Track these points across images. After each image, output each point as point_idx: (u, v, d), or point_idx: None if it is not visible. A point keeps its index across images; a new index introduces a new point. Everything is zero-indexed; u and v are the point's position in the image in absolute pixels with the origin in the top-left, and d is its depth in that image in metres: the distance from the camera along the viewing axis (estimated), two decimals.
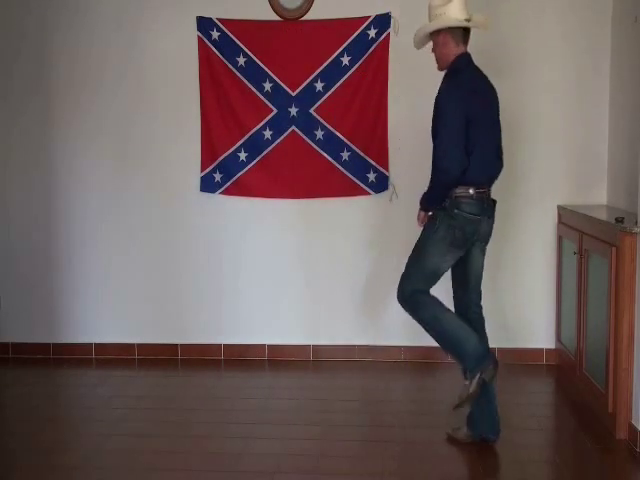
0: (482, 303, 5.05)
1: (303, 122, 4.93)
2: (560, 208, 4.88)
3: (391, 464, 3.59)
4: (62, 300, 5.19)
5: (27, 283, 5.20)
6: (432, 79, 4.93)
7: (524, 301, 4.98)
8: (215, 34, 4.93)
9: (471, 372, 3.60)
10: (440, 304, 3.72)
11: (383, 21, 4.80)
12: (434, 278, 3.73)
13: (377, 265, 5.03)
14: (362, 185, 4.93)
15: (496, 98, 3.82)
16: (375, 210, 4.97)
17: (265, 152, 4.98)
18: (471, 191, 3.63)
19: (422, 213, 3.82)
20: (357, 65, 4.85)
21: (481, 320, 3.86)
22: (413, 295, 3.73)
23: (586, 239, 4.30)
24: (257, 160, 5.00)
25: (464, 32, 3.72)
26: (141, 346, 5.18)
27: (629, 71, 4.48)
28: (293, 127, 4.95)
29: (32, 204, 5.16)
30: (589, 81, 4.85)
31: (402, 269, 5.00)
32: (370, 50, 4.83)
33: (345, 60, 4.84)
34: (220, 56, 4.94)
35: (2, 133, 5.14)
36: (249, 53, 4.92)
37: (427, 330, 3.74)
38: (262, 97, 4.94)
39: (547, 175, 4.91)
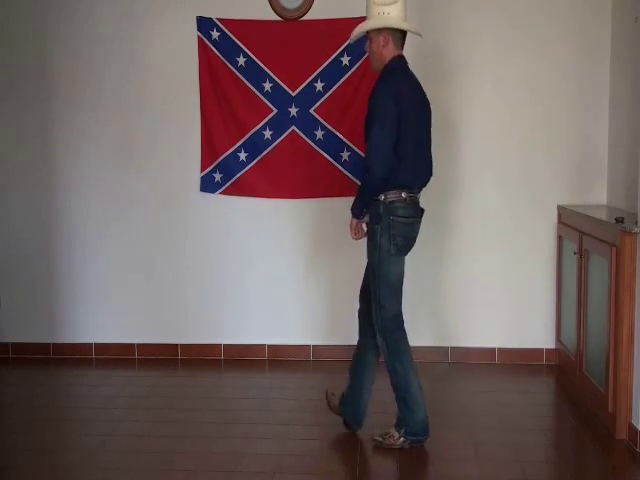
0: (481, 302, 5.09)
1: (303, 122, 4.94)
2: (560, 208, 4.88)
3: (391, 464, 3.60)
4: (62, 300, 5.19)
5: (27, 283, 5.20)
6: (431, 78, 4.96)
7: (524, 301, 4.98)
8: (215, 34, 4.93)
9: (406, 434, 3.73)
10: (411, 358, 3.75)
11: None
12: (400, 288, 3.76)
13: None
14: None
15: (429, 107, 3.82)
16: None
17: (265, 152, 4.99)
18: (404, 195, 3.64)
19: (354, 221, 3.74)
20: (357, 65, 4.85)
21: None
22: (393, 332, 3.72)
23: (586, 239, 4.30)
24: (257, 160, 5.00)
25: (402, 36, 3.71)
26: (141, 346, 5.18)
27: (629, 71, 4.48)
28: (293, 127, 4.95)
29: (33, 204, 5.16)
30: (589, 81, 4.85)
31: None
32: None
33: (345, 60, 4.84)
34: (220, 56, 4.94)
35: (4, 134, 5.14)
36: (249, 53, 4.92)
37: (392, 377, 3.76)
38: (262, 97, 4.94)
39: (547, 175, 4.91)
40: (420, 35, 3.87)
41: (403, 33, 3.71)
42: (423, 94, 3.79)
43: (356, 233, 3.80)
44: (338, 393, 3.98)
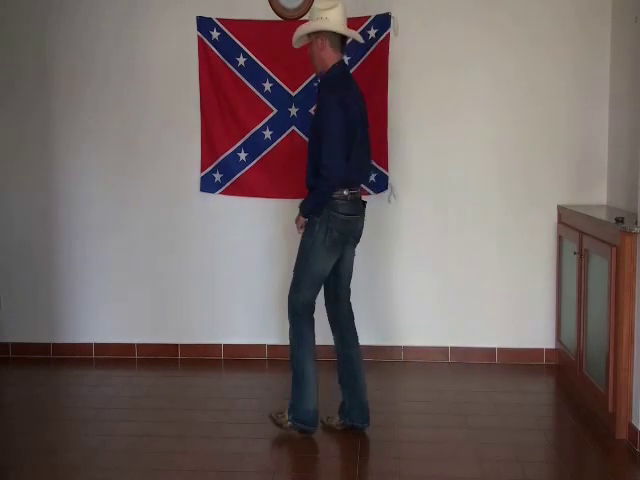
0: (481, 302, 5.08)
1: (303, 122, 4.93)
2: (560, 208, 4.88)
3: (391, 464, 3.59)
4: (62, 300, 5.19)
5: (27, 283, 5.20)
6: (432, 79, 4.96)
7: (524, 301, 4.98)
8: (215, 34, 4.93)
9: (294, 420, 3.88)
10: (313, 349, 3.94)
11: (383, 21, 4.80)
12: (320, 282, 3.92)
13: (377, 265, 5.04)
14: (362, 185, 4.93)
15: (365, 105, 3.93)
16: (375, 210, 4.96)
17: (265, 152, 4.98)
18: (345, 192, 3.79)
19: (302, 218, 3.87)
20: (357, 65, 4.84)
21: (350, 315, 4.07)
22: (302, 316, 3.90)
23: (586, 239, 4.30)
24: (257, 160, 5.00)
25: (341, 40, 3.82)
26: (141, 346, 5.18)
27: (629, 71, 4.48)
28: (293, 127, 4.95)
29: (33, 204, 5.16)
30: (589, 81, 4.85)
31: (402, 268, 5.04)
32: (370, 50, 4.83)
33: (345, 60, 4.83)
34: (220, 56, 4.94)
35: (4, 134, 5.14)
36: (249, 53, 4.92)
37: (290, 359, 3.94)
38: (262, 97, 4.94)
39: (547, 175, 4.92)
40: (360, 41, 4.01)
41: (342, 38, 3.82)
42: (361, 97, 3.92)
43: (302, 227, 3.92)
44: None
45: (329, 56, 3.79)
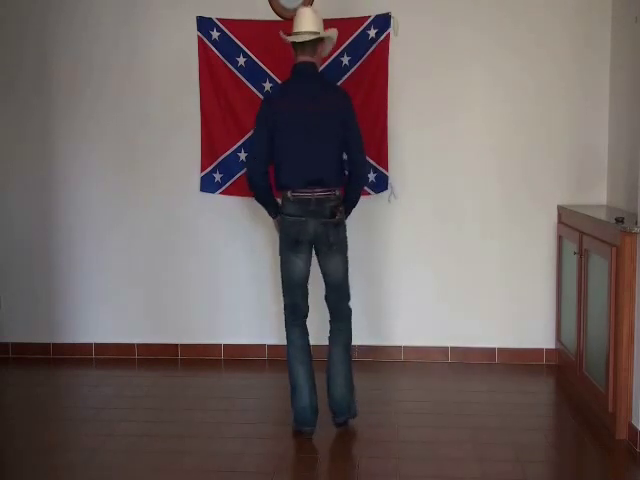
0: (481, 302, 5.05)
1: None
2: (560, 208, 4.88)
3: (391, 464, 3.59)
4: (62, 300, 5.19)
5: (27, 283, 5.21)
6: (432, 79, 4.96)
7: (524, 301, 4.98)
8: (215, 34, 4.93)
9: (293, 419, 3.96)
10: (300, 352, 4.01)
11: (383, 21, 4.80)
12: (292, 285, 3.95)
13: (377, 265, 5.04)
14: (366, 185, 4.93)
15: (321, 109, 3.84)
16: (375, 210, 4.98)
17: None
18: (288, 194, 3.85)
19: (273, 220, 4.05)
20: (357, 65, 4.84)
21: (339, 316, 4.10)
22: (286, 318, 4.07)
23: (586, 239, 4.30)
24: None
25: (300, 44, 3.88)
26: (141, 346, 5.18)
27: (629, 71, 4.48)
28: None
29: (32, 204, 5.17)
30: (589, 81, 4.85)
31: (402, 268, 5.05)
32: (370, 50, 4.82)
33: (345, 60, 4.84)
34: (220, 56, 4.93)
35: (4, 134, 5.14)
36: (249, 53, 4.92)
37: None
38: (262, 97, 4.94)
39: (547, 175, 4.92)
40: (304, 39, 3.88)
41: (301, 42, 3.88)
42: (316, 96, 3.87)
43: (277, 228, 4.03)
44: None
45: (294, 59, 3.94)
